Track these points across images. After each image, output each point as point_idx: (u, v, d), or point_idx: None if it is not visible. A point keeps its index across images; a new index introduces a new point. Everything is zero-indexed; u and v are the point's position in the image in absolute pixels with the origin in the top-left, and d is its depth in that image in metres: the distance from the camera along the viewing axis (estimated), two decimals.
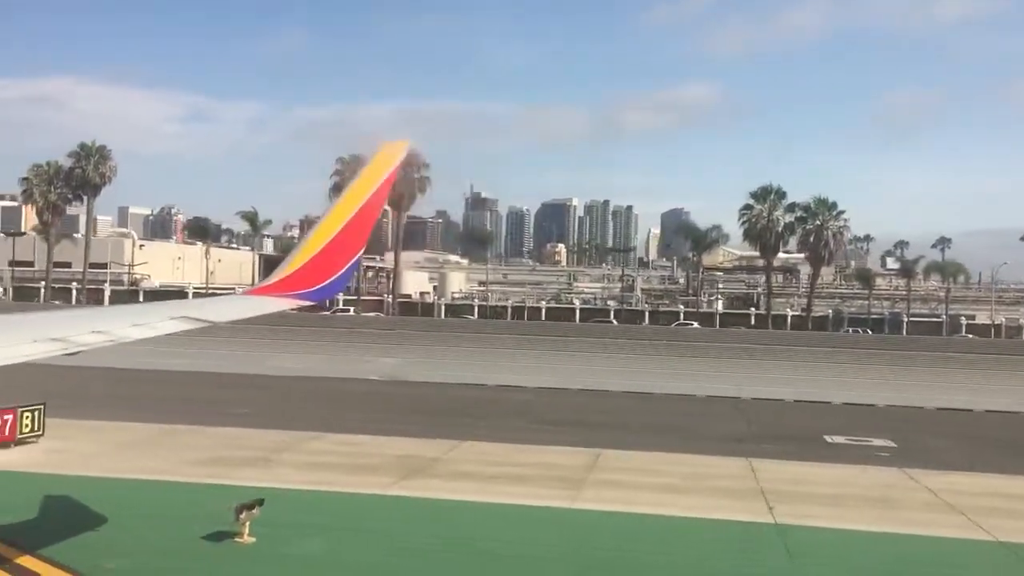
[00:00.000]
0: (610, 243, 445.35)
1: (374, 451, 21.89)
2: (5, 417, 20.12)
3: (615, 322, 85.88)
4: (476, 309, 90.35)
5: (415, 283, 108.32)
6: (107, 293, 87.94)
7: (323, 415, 27.67)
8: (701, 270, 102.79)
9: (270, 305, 9.68)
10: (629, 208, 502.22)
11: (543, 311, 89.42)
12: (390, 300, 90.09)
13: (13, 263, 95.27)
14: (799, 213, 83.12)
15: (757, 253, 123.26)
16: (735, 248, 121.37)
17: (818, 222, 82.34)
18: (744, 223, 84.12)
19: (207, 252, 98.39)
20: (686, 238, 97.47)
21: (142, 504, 16.04)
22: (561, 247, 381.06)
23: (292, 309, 10.04)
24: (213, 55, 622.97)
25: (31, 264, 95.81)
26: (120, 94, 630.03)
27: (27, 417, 20.72)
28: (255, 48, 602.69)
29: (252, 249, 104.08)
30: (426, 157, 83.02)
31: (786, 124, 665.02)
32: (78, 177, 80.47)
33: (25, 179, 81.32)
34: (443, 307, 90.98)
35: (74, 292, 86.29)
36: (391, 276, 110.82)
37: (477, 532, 15.11)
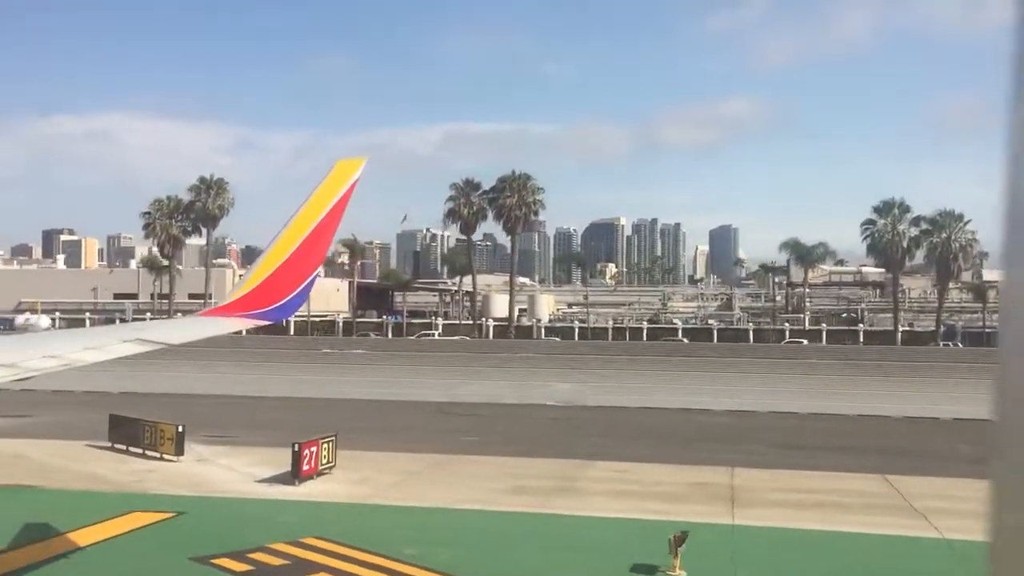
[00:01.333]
0: (659, 261, 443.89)
1: (659, 478, 21.62)
2: (310, 449, 20.17)
3: (712, 340, 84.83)
4: (576, 331, 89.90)
5: (502, 306, 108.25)
6: None
7: (554, 441, 27.47)
8: (806, 287, 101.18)
9: (226, 325, 9.65)
10: (677, 226, 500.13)
11: (644, 331, 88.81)
12: (489, 323, 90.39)
13: (118, 296, 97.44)
14: (924, 226, 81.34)
15: (845, 268, 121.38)
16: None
17: (944, 235, 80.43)
18: (866, 237, 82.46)
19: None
20: (792, 254, 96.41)
21: (539, 536, 15.93)
22: (611, 266, 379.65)
23: (248, 329, 10.49)
24: (258, 86, 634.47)
25: (135, 296, 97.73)
26: (170, 127, 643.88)
27: (325, 448, 20.79)
28: (298, 77, 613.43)
29: (351, 276, 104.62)
30: (538, 182, 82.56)
31: (835, 135, 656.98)
32: (198, 210, 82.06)
33: (147, 213, 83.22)
34: (542, 329, 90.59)
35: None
36: (478, 299, 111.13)
37: (878, 563, 14.65)
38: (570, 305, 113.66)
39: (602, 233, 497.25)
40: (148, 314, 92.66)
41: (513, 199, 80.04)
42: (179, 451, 22.37)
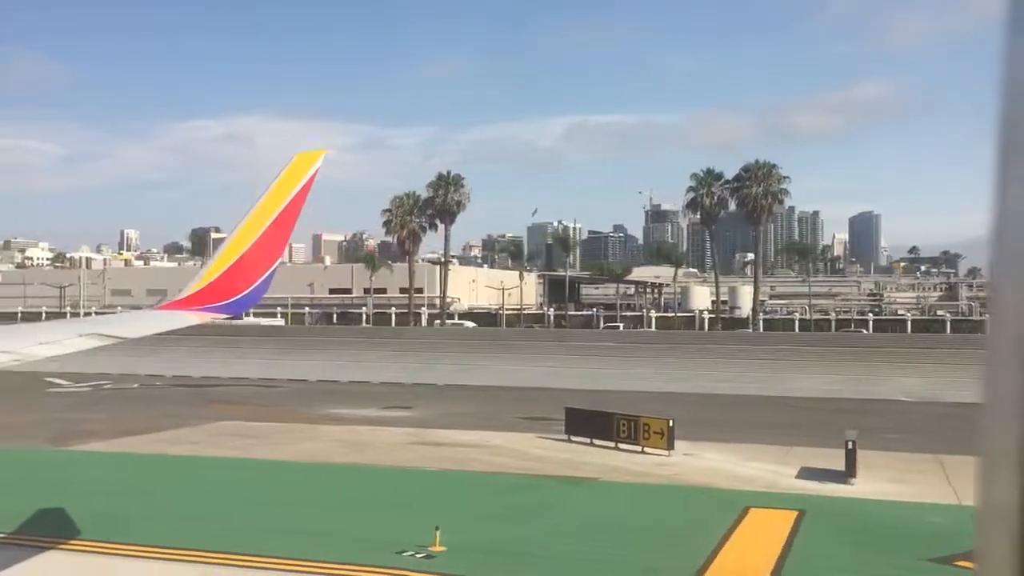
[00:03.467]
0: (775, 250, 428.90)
1: None
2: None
3: (944, 331, 79.35)
4: (797, 323, 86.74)
5: (702, 298, 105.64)
6: (424, 317, 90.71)
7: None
8: None
9: (184, 319, 9.15)
10: (815, 213, 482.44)
11: (870, 323, 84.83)
12: (704, 316, 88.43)
13: (333, 291, 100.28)
14: None
15: None
16: None
17: None
18: None
19: (521, 275, 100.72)
20: None
21: None
22: (750, 256, 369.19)
23: (206, 322, 9.48)
24: (382, 85, 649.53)
25: (349, 291, 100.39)
26: (300, 127, 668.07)
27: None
28: (422, 75, 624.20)
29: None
30: (783, 170, 79.33)
31: (971, 116, 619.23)
32: (437, 205, 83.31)
33: (387, 210, 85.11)
34: (760, 321, 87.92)
35: (393, 317, 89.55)
36: (674, 291, 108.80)
37: None
38: (770, 296, 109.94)
39: (737, 222, 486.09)
40: (364, 308, 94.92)
41: (758, 188, 77.67)
42: (670, 445, 21.61)
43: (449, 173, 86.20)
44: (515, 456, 21.39)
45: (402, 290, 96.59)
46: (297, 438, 24.03)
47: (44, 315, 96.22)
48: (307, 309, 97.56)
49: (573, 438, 23.44)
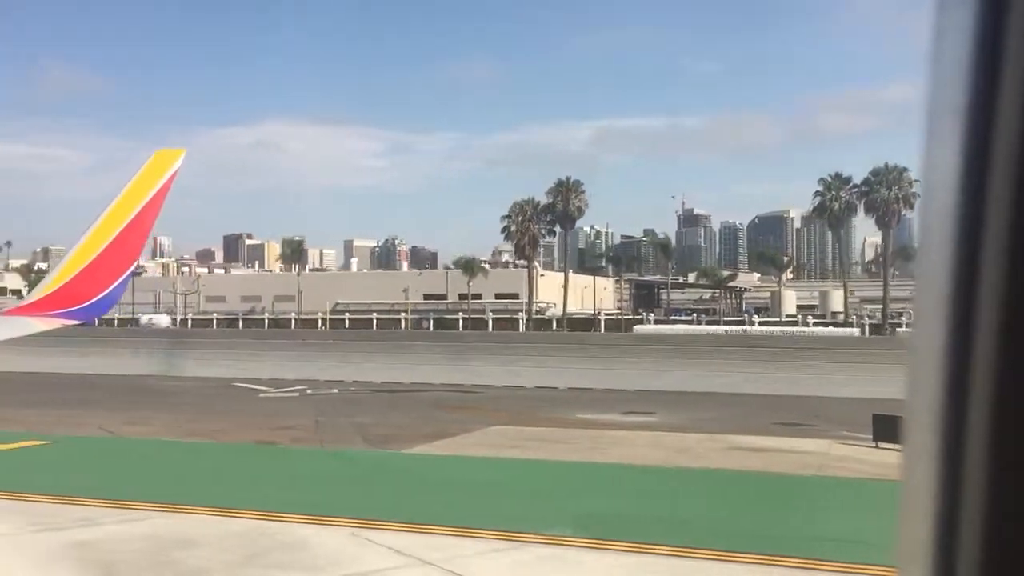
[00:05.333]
0: (829, 255, 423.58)
1: None
2: None
3: None
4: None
5: (793, 303, 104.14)
6: (522, 322, 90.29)
7: None
8: None
9: (28, 326, 8.55)
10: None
11: None
12: (802, 319, 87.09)
13: (427, 296, 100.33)
14: None
15: None
16: None
17: None
18: None
19: (619, 281, 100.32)
20: None
21: None
22: (785, 261, 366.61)
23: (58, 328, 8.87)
24: (407, 92, 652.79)
25: (444, 296, 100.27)
26: (327, 133, 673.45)
27: None
28: (446, 80, 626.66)
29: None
30: (913, 174, 78.40)
31: None
32: (557, 211, 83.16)
33: (507, 216, 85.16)
34: (866, 326, 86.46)
35: (490, 322, 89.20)
36: (764, 297, 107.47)
37: None
38: (861, 301, 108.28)
39: (770, 226, 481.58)
40: (460, 314, 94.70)
41: (888, 192, 76.19)
42: None
43: (568, 179, 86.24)
44: (879, 466, 20.48)
45: (497, 295, 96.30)
46: (597, 443, 23.28)
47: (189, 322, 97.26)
48: (402, 315, 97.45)
49: (882, 444, 22.57)
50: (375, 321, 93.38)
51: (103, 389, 36.30)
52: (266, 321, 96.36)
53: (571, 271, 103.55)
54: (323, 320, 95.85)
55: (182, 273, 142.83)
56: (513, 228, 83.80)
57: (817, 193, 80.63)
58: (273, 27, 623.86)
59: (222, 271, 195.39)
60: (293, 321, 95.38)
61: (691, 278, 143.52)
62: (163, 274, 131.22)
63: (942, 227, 1.02)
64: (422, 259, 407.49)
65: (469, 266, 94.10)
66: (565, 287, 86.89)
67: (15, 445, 20.12)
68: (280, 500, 14.59)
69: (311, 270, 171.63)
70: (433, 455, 20.43)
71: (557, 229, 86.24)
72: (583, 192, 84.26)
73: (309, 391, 36.66)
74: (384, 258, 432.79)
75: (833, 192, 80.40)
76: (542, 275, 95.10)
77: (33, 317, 8.69)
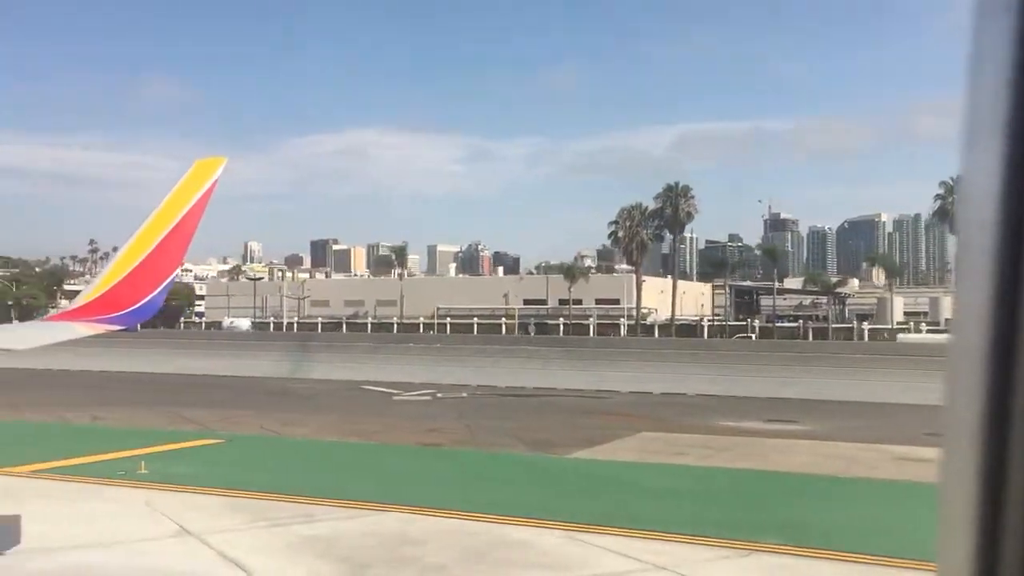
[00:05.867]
0: (923, 260, 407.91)
1: None
2: None
3: None
4: None
5: (898, 310, 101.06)
6: (623, 328, 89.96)
7: None
8: None
9: (73, 331, 8.70)
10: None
11: None
12: (914, 327, 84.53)
13: (528, 301, 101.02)
14: None
15: None
16: None
17: None
18: None
19: (725, 286, 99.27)
20: None
21: None
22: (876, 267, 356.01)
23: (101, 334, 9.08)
24: (489, 97, 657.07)
25: (544, 302, 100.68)
26: (409, 140, 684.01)
27: None
28: (530, 85, 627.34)
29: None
30: None
31: None
32: (667, 216, 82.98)
33: (614, 222, 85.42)
34: None
35: (592, 328, 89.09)
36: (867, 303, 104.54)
37: None
38: None
39: (860, 231, 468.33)
40: (560, 319, 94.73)
41: None
42: None
43: (677, 184, 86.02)
44: None
45: (598, 301, 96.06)
46: (759, 451, 22.86)
47: (272, 326, 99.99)
48: (503, 320, 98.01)
49: None
50: (475, 326, 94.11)
51: (237, 390, 37.37)
52: (369, 325, 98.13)
53: (664, 277, 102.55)
54: (425, 325, 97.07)
55: (285, 277, 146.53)
56: (620, 233, 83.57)
57: (938, 196, 78.21)
58: (356, 37, 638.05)
59: (305, 275, 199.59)
60: (395, 325, 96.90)
61: (786, 283, 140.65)
62: (269, 278, 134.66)
63: (981, 236, 1.01)
64: (504, 264, 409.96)
65: (570, 271, 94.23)
66: (674, 293, 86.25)
67: (195, 443, 20.88)
68: (475, 501, 14.76)
69: (397, 275, 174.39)
70: (600, 460, 20.38)
71: (665, 234, 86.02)
72: (692, 197, 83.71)
73: (439, 394, 37.07)
74: (467, 263, 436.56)
75: (951, 196, 78.02)
76: (643, 281, 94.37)
77: (77, 322, 8.76)
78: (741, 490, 16.87)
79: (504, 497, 15.32)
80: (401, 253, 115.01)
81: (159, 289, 8.97)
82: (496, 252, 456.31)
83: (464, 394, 37.65)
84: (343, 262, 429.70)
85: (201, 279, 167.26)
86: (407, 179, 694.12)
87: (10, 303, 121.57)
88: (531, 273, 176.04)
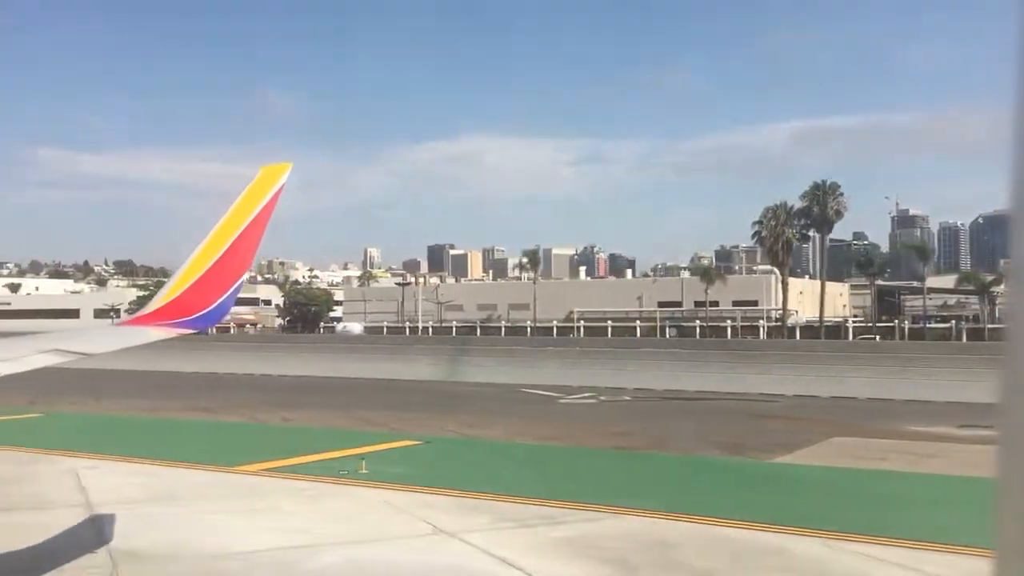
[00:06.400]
0: None
1: None
2: None
3: None
4: None
5: None
6: (763, 330, 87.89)
7: None
8: None
9: (147, 335, 8.75)
10: None
11: None
12: None
13: (662, 304, 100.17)
14: None
15: None
16: None
17: None
18: None
19: (871, 285, 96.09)
20: None
21: None
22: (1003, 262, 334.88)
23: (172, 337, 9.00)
24: (599, 100, 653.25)
25: (679, 304, 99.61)
26: (520, 144, 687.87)
27: None
28: (641, 86, 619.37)
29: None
30: None
31: None
32: (815, 215, 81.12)
33: (758, 221, 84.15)
34: None
35: (728, 330, 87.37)
36: None
37: None
38: None
39: (997, 227, 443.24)
40: (697, 321, 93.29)
41: None
42: None
43: (825, 182, 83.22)
44: None
45: (735, 303, 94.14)
46: (970, 458, 21.81)
47: (385, 329, 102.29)
48: (637, 323, 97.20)
49: None
50: (610, 329, 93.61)
51: (401, 392, 38.20)
52: (502, 328, 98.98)
53: (803, 278, 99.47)
54: (558, 328, 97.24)
55: (419, 283, 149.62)
56: (764, 233, 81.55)
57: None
58: (465, 47, 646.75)
59: (436, 280, 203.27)
60: (529, 329, 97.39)
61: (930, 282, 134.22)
62: (403, 282, 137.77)
63: None
64: (620, 267, 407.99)
65: (707, 273, 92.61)
66: (822, 294, 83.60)
67: (396, 444, 21.41)
68: (707, 504, 14.56)
69: (509, 279, 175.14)
70: (805, 464, 19.83)
71: (812, 233, 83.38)
72: (841, 195, 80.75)
73: (602, 397, 37.01)
74: (583, 266, 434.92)
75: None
76: (784, 282, 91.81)
77: (149, 327, 8.76)
78: (983, 501, 16.08)
79: (735, 502, 15.06)
80: (533, 257, 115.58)
81: (227, 293, 8.98)
82: (612, 254, 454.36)
83: (626, 397, 37.46)
84: (460, 266, 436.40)
85: (335, 285, 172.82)
86: (519, 183, 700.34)
87: None
88: (646, 275, 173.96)
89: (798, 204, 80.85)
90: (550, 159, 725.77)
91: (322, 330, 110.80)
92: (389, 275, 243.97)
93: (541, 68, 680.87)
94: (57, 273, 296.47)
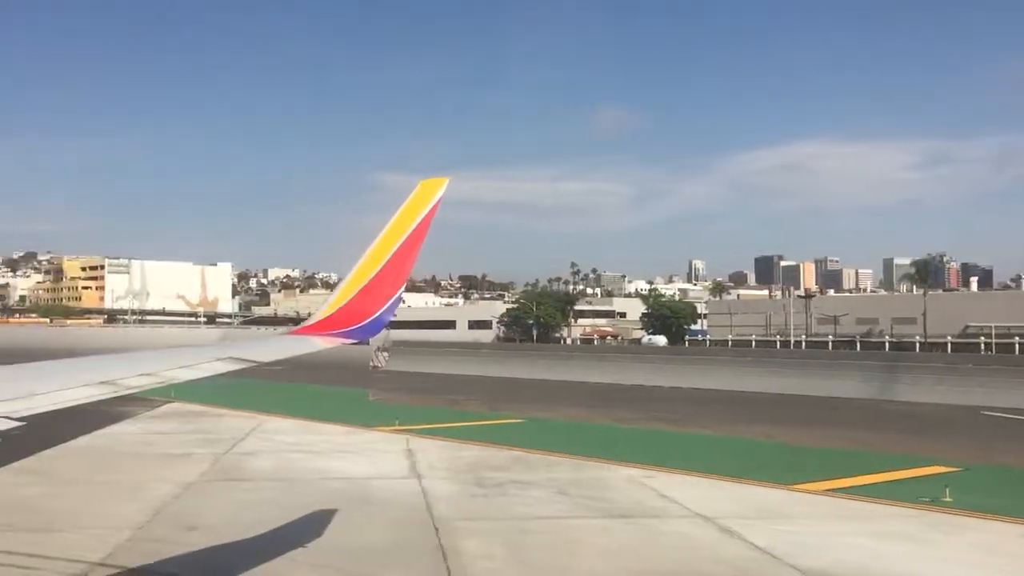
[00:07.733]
0: None
1: None
2: None
3: None
4: None
5: None
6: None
7: None
8: None
9: (314, 344, 9.05)
10: None
11: None
12: None
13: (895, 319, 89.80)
14: None
15: None
16: None
17: None
18: None
19: None
20: None
21: None
22: None
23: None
24: (947, 94, 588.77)
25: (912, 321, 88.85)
26: (854, 151, 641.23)
27: None
28: (992, 79, 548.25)
29: None
30: None
31: None
32: None
33: None
34: None
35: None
36: None
37: None
38: None
39: None
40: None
41: None
42: None
43: None
44: None
45: None
46: None
47: (753, 343, 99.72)
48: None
49: None
50: (1017, 346, 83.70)
51: (826, 408, 36.36)
52: (886, 344, 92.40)
53: None
54: (953, 344, 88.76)
55: (789, 294, 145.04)
56: None
57: None
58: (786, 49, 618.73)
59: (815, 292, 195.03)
60: (917, 345, 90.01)
61: None
62: (769, 296, 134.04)
63: None
64: (975, 276, 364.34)
65: None
66: None
67: (922, 471, 19.78)
68: None
69: (848, 291, 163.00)
70: None
71: None
72: None
73: None
74: (929, 276, 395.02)
75: None
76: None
77: (315, 336, 9.16)
78: None
79: None
80: (924, 268, 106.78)
81: (387, 306, 9.30)
82: (964, 264, 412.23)
83: None
84: (791, 278, 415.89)
85: (698, 300, 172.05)
86: (853, 190, 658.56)
87: (531, 322, 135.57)
88: (1008, 286, 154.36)
89: None
90: (889, 162, 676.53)
91: (686, 343, 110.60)
92: (704, 289, 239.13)
93: (869, 67, 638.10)
94: (411, 288, 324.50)
